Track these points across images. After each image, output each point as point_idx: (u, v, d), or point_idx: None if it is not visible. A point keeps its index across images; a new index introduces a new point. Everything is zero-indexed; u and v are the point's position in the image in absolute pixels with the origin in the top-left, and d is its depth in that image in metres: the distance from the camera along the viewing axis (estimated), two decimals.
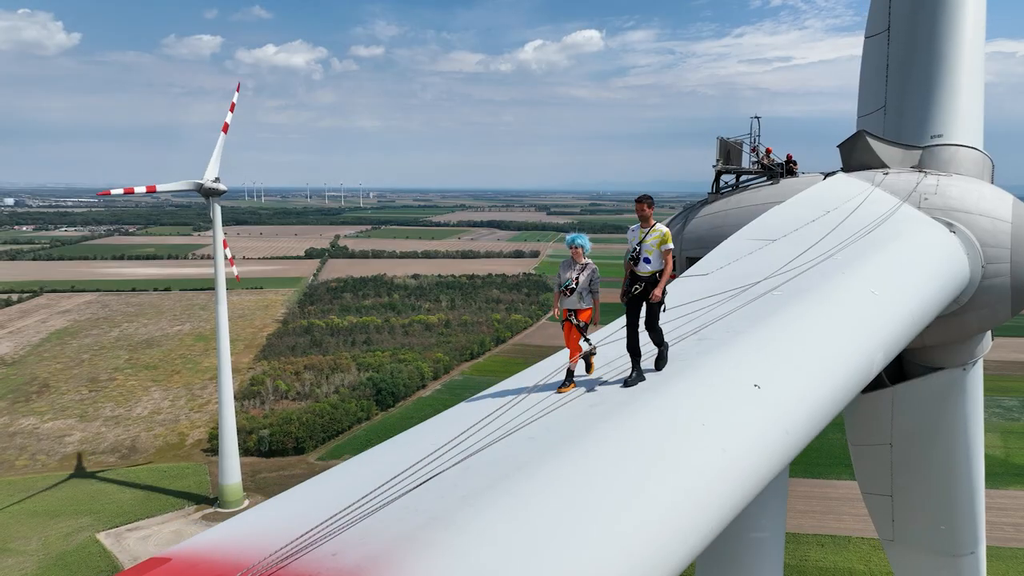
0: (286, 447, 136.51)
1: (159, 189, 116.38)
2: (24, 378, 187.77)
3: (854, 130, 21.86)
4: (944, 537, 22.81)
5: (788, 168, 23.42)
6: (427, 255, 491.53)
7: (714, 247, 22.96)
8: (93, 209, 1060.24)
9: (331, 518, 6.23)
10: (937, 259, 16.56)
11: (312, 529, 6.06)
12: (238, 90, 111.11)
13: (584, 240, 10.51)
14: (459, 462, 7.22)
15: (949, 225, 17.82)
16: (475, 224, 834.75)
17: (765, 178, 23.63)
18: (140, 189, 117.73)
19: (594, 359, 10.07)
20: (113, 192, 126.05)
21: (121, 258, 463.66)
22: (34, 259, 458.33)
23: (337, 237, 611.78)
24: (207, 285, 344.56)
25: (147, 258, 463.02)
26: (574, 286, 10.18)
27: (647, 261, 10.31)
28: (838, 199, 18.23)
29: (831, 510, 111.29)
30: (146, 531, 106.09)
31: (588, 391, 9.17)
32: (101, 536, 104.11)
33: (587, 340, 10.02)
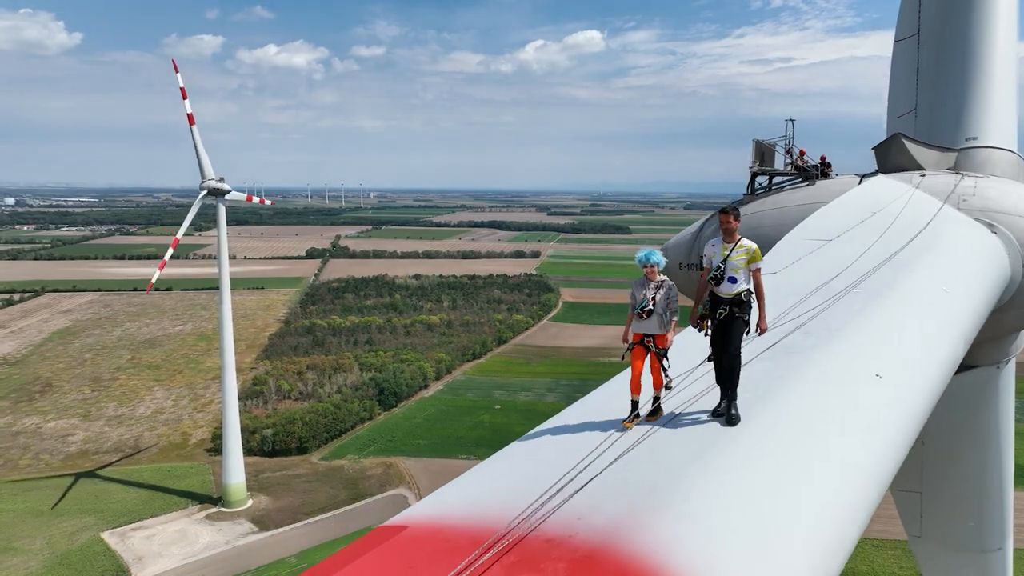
0: (289, 447, 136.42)
1: (180, 239, 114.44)
2: (27, 378, 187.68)
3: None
4: (972, 533, 22.89)
5: (822, 170, 23.54)
6: (428, 255, 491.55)
7: None
8: (94, 209, 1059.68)
9: (548, 490, 6.55)
10: (984, 259, 16.95)
11: (537, 499, 6.41)
12: (176, 70, 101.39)
13: (659, 257, 9.49)
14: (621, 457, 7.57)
15: (990, 226, 18.08)
16: (476, 224, 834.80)
17: (799, 180, 23.73)
18: (168, 254, 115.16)
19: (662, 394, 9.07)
20: (155, 279, 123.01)
21: (122, 258, 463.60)
22: (35, 259, 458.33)
23: (338, 237, 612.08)
24: (208, 285, 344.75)
25: (148, 258, 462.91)
26: (651, 307, 9.10)
27: (732, 280, 9.24)
28: (882, 200, 18.53)
29: None
30: (150, 530, 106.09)
31: (673, 426, 8.58)
32: (105, 535, 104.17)
33: (666, 373, 8.89)
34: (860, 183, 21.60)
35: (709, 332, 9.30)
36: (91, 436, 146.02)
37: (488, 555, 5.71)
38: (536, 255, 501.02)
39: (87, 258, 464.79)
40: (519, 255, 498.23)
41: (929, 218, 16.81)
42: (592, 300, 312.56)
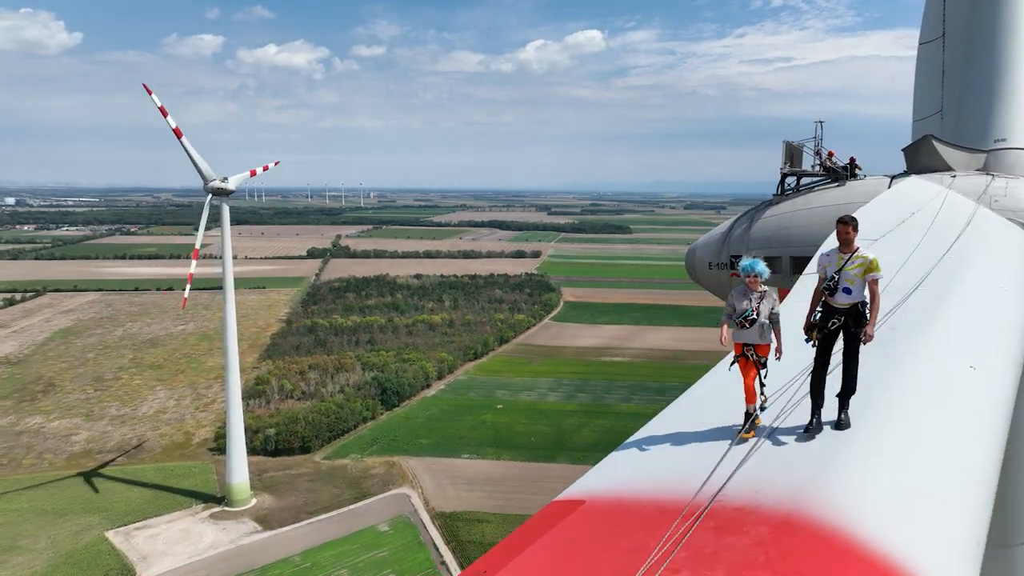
0: (292, 446, 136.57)
1: (188, 242, 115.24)
2: (29, 377, 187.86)
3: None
4: (995, 526, 23.04)
5: (852, 171, 23.91)
6: (429, 255, 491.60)
7: (782, 246, 23.71)
8: (94, 209, 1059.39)
9: (712, 468, 7.08)
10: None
11: (708, 474, 6.91)
12: (150, 92, 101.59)
13: (762, 267, 9.38)
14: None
15: (1023, 226, 18.28)
16: (476, 224, 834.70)
17: (829, 180, 24.08)
18: (192, 266, 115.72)
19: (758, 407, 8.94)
20: (187, 293, 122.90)
21: (123, 258, 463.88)
22: (36, 258, 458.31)
23: (338, 237, 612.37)
24: (209, 285, 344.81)
25: (150, 258, 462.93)
26: (755, 317, 8.95)
27: (847, 291, 9.02)
28: (919, 200, 18.86)
29: None
30: (154, 529, 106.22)
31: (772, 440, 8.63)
32: (110, 534, 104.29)
33: (763, 387, 8.79)
34: (891, 184, 21.91)
35: (816, 343, 9.09)
36: (94, 436, 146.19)
37: (689, 523, 6.12)
38: (537, 255, 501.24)
39: (88, 258, 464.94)
40: (520, 255, 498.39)
41: (967, 218, 17.18)
42: (593, 300, 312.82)
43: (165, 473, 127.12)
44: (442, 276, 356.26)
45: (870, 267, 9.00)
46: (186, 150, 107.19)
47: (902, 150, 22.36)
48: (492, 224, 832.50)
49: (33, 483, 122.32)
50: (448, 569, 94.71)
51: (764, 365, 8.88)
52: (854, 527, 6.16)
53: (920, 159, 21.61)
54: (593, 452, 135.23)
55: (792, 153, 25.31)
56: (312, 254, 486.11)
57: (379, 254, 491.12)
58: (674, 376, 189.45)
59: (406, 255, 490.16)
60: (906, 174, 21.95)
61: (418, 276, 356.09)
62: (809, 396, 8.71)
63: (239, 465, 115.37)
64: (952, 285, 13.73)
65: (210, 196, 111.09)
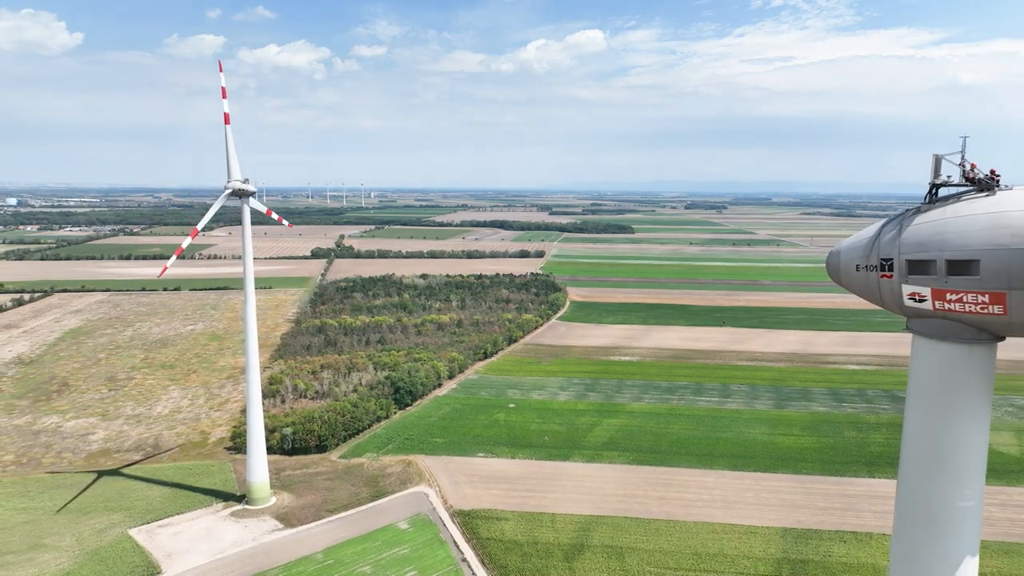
0: (309, 445, 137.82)
1: (200, 228, 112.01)
2: (43, 377, 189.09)
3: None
4: None
5: (995, 181, 25.90)
6: (433, 255, 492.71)
7: (936, 250, 26.98)
8: (96, 209, 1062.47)
9: None
10: None
11: None
12: (221, 69, 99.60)
13: None
14: None
15: None
16: (478, 224, 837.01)
17: (974, 190, 26.12)
18: (186, 243, 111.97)
19: None
20: (170, 263, 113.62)
21: (128, 258, 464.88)
22: (42, 259, 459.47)
23: (342, 237, 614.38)
24: (216, 284, 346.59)
25: (154, 258, 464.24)
26: None
27: None
28: None
29: (851, 507, 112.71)
30: (177, 527, 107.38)
31: None
32: (133, 532, 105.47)
33: None
34: None
35: None
36: (111, 435, 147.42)
37: None
38: (540, 254, 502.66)
39: (93, 258, 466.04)
40: (523, 254, 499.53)
41: None
42: (599, 299, 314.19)
43: (184, 472, 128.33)
44: (448, 276, 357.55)
45: None
46: (226, 139, 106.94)
47: None
48: (494, 224, 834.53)
49: (55, 482, 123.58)
50: (469, 566, 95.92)
51: None
52: None
53: None
54: (607, 450, 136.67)
55: (938, 165, 27.37)
56: (316, 254, 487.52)
57: (383, 254, 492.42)
58: (683, 375, 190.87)
59: (410, 255, 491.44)
60: None
61: (424, 276, 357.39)
62: None
63: (259, 464, 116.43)
64: None
65: (228, 192, 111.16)
